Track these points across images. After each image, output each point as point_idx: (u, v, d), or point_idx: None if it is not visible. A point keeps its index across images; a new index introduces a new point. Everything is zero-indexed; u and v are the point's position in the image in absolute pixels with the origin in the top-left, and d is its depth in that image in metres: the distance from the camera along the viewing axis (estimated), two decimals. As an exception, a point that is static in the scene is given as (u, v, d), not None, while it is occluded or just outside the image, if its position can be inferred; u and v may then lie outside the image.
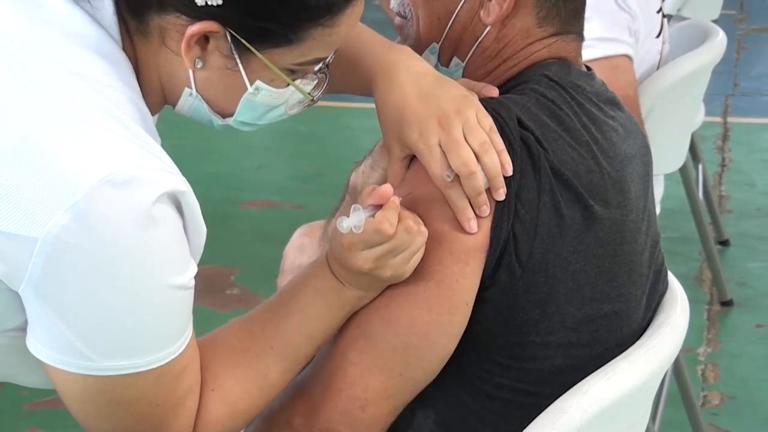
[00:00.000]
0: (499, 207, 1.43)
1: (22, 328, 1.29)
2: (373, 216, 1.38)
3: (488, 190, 1.43)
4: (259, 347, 1.41)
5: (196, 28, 1.30)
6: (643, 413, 1.60)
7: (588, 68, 1.61)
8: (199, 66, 1.34)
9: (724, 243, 4.21)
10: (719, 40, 2.97)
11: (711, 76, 3.07)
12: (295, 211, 4.47)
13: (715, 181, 4.80)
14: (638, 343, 1.53)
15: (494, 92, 1.51)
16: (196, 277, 1.31)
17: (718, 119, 5.56)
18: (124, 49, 1.34)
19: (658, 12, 2.72)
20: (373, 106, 1.50)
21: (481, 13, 1.54)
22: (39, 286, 1.23)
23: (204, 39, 1.32)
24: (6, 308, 1.28)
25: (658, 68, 2.80)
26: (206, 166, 4.85)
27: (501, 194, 1.43)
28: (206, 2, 1.29)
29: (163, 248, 1.25)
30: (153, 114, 1.37)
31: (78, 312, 1.24)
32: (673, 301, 1.60)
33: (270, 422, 1.47)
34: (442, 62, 1.59)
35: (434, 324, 1.43)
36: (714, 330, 3.66)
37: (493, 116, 1.45)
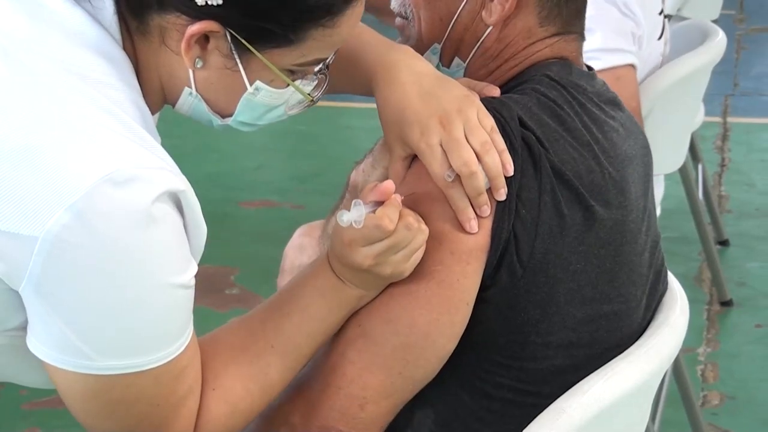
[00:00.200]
0: (500, 207, 1.43)
1: (23, 328, 1.29)
2: (374, 212, 1.38)
3: (489, 190, 1.43)
4: (259, 346, 1.41)
5: (196, 27, 1.30)
6: (642, 413, 1.60)
7: (589, 68, 1.61)
8: (199, 66, 1.34)
9: (723, 243, 4.21)
10: (719, 40, 2.97)
11: (711, 76, 3.07)
12: (294, 211, 4.47)
13: (714, 181, 4.80)
14: (638, 343, 1.53)
15: (495, 92, 1.51)
16: (195, 276, 1.31)
17: (718, 119, 5.56)
18: (124, 48, 1.34)
19: (660, 14, 2.72)
20: (373, 106, 1.50)
21: (483, 13, 1.54)
22: (39, 285, 1.23)
23: (204, 39, 1.32)
24: (6, 308, 1.28)
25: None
26: (206, 165, 4.85)
27: (502, 194, 1.43)
28: (206, 2, 1.29)
29: (163, 247, 1.25)
30: (153, 113, 1.37)
31: (78, 311, 1.24)
32: (673, 301, 1.60)
33: (268, 420, 1.47)
34: (444, 63, 1.59)
35: (434, 323, 1.43)
36: (713, 330, 3.66)
37: (494, 116, 1.45)
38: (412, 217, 1.40)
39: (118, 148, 1.24)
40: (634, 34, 2.57)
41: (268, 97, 1.38)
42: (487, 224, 1.43)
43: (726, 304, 3.79)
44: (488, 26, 1.54)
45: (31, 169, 1.22)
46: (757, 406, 3.25)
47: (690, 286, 3.84)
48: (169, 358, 1.29)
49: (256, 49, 1.33)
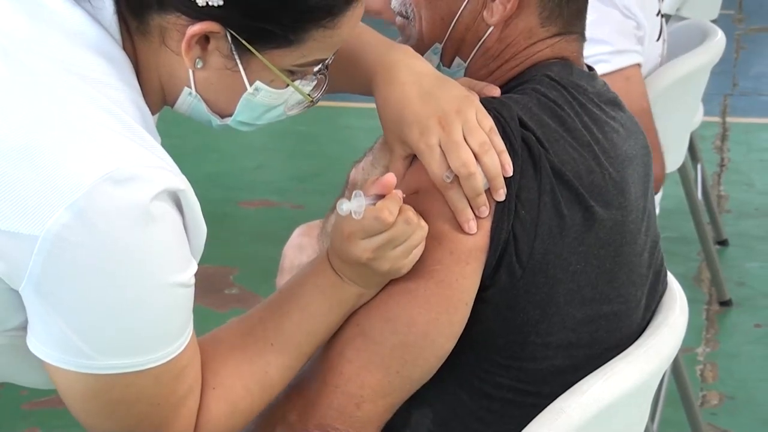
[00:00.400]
0: (499, 207, 1.43)
1: (23, 328, 1.29)
2: (374, 205, 1.38)
3: (488, 191, 1.43)
4: (259, 345, 1.42)
5: (197, 28, 1.30)
6: (642, 413, 1.60)
7: (590, 68, 1.61)
8: (199, 66, 1.34)
9: (722, 243, 4.21)
10: (718, 40, 2.97)
11: (710, 75, 3.07)
12: (293, 211, 4.47)
13: (713, 181, 4.80)
14: (637, 342, 1.53)
15: (496, 92, 1.51)
16: (194, 276, 1.31)
17: (717, 119, 5.56)
18: (124, 48, 1.34)
19: (657, 14, 2.73)
20: (372, 106, 1.50)
21: (485, 13, 1.54)
22: (39, 284, 1.23)
23: (204, 39, 1.32)
24: (6, 308, 1.28)
25: (659, 70, 2.82)
26: (205, 165, 4.84)
27: (501, 195, 1.43)
28: (207, 3, 1.29)
29: (163, 246, 1.26)
30: (153, 113, 1.37)
31: (78, 310, 1.24)
32: (672, 301, 1.60)
33: (266, 418, 1.47)
34: (444, 62, 1.59)
35: (433, 323, 1.43)
36: (713, 330, 3.66)
37: (494, 116, 1.45)
38: (411, 212, 1.40)
39: (118, 148, 1.24)
40: (636, 35, 2.59)
41: (267, 98, 1.38)
42: (487, 225, 1.43)
43: (725, 304, 3.79)
44: (489, 26, 1.54)
45: (31, 169, 1.22)
46: (756, 406, 3.25)
47: (689, 286, 3.84)
48: (170, 358, 1.29)
49: (256, 50, 1.33)
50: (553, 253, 1.44)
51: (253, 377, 1.40)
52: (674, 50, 2.90)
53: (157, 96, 1.39)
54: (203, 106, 1.39)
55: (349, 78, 1.53)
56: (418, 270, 1.43)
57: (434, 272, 1.43)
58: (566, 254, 1.45)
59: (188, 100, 1.38)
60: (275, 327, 1.42)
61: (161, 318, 1.28)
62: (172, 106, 1.41)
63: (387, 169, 1.50)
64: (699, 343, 3.56)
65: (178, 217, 1.28)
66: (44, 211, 1.20)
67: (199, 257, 1.32)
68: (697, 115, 3.36)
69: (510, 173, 1.43)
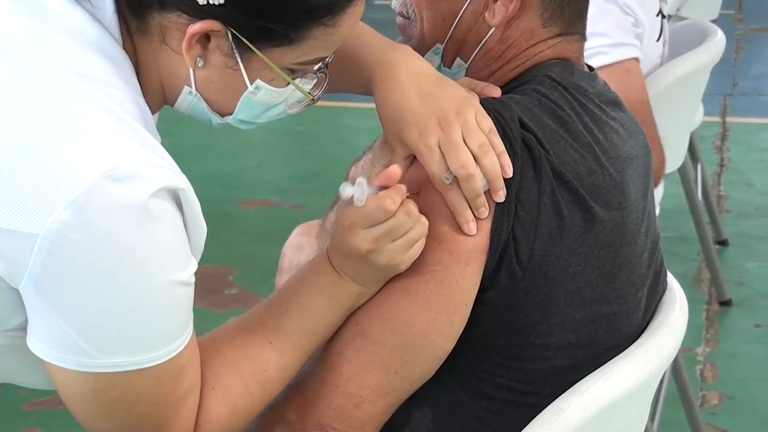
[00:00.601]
0: (499, 208, 1.43)
1: (22, 328, 1.29)
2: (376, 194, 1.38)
3: (488, 192, 1.43)
4: (259, 344, 1.41)
5: (198, 27, 1.30)
6: (641, 413, 1.60)
7: (590, 68, 1.61)
8: (199, 65, 1.34)
9: (722, 243, 4.21)
10: (718, 40, 2.97)
11: (710, 75, 3.07)
12: (293, 211, 4.47)
13: (713, 181, 4.80)
14: (637, 342, 1.53)
15: (496, 92, 1.51)
16: (194, 276, 1.31)
17: (717, 119, 5.56)
18: (124, 47, 1.34)
19: (658, 15, 2.73)
20: (371, 105, 1.50)
21: (486, 14, 1.54)
22: (39, 282, 1.23)
23: (205, 38, 1.32)
24: (6, 307, 1.28)
25: (659, 70, 2.82)
26: (205, 165, 4.85)
27: (500, 196, 1.43)
28: (208, 1, 1.29)
29: (163, 244, 1.25)
30: (153, 112, 1.37)
31: (78, 308, 1.24)
32: (672, 301, 1.60)
33: (265, 417, 1.47)
34: (445, 63, 1.59)
35: (433, 323, 1.43)
36: (713, 330, 3.66)
37: (494, 117, 1.45)
38: (413, 206, 1.40)
39: (118, 146, 1.24)
40: (634, 31, 2.60)
41: (268, 96, 1.38)
42: (486, 226, 1.43)
43: (725, 304, 3.80)
44: (491, 27, 1.54)
45: (32, 167, 1.22)
46: (756, 406, 3.25)
47: (689, 286, 3.84)
48: (170, 356, 1.29)
49: (257, 48, 1.33)
50: (553, 255, 1.44)
51: (252, 377, 1.40)
52: (674, 50, 2.90)
53: (157, 95, 1.39)
54: (203, 105, 1.39)
55: (349, 77, 1.53)
56: (417, 270, 1.43)
57: (434, 272, 1.43)
58: (566, 255, 1.45)
59: (188, 98, 1.38)
60: (275, 326, 1.42)
61: (161, 316, 1.28)
62: (172, 105, 1.41)
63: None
64: (699, 343, 3.56)
65: (178, 216, 1.28)
66: (44, 209, 1.20)
67: (199, 256, 1.32)
68: (697, 115, 3.36)
69: (510, 174, 1.43)
